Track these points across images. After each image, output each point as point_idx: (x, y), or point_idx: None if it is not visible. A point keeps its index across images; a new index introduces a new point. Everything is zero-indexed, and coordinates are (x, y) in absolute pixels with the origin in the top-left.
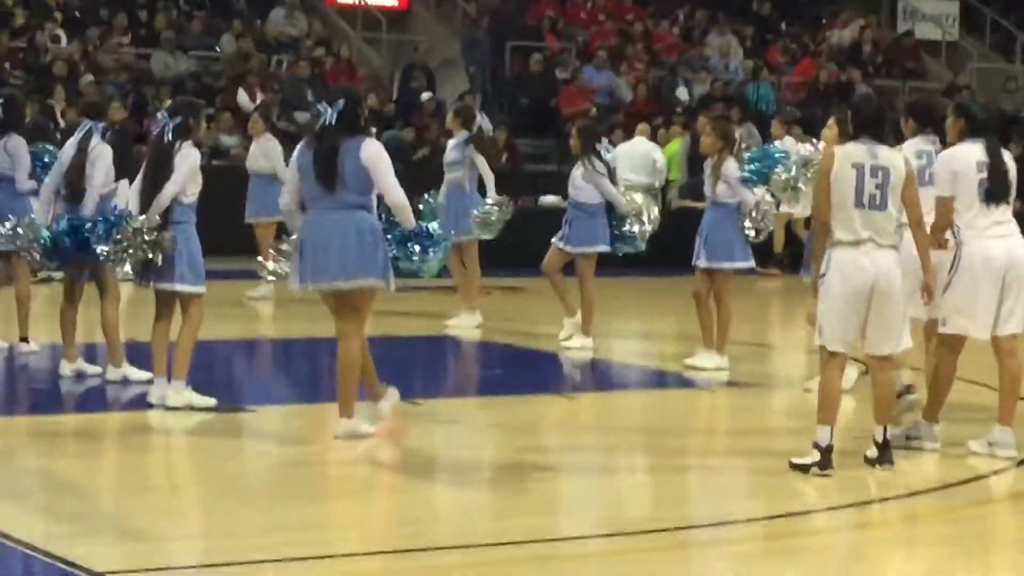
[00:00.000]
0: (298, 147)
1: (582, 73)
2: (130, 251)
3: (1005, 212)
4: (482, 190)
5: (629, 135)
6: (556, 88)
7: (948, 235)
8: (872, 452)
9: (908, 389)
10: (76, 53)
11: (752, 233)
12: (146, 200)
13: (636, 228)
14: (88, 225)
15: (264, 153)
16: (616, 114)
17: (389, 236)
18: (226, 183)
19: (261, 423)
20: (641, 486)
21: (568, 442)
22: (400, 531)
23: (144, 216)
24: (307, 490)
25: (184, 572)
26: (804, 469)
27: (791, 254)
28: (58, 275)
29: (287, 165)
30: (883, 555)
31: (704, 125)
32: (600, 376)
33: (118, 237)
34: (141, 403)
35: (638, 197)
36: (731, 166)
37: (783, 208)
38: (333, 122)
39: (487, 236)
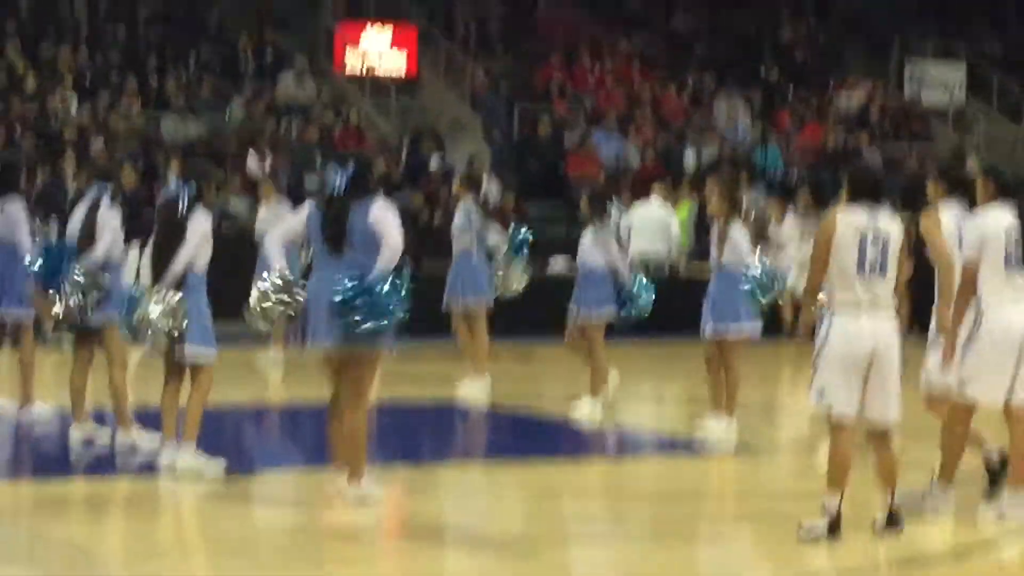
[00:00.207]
0: (310, 207)
1: (590, 137)
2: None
3: None
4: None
5: (637, 199)
6: (564, 152)
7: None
8: (881, 517)
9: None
10: (87, 118)
11: (760, 298)
12: (157, 268)
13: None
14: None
15: (275, 217)
16: (625, 178)
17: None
18: (234, 248)
19: (270, 488)
20: (651, 553)
21: (577, 509)
22: None
23: (159, 289)
24: (316, 555)
25: None
26: (814, 533)
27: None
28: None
29: None
30: None
31: (711, 187)
32: (609, 442)
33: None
34: (150, 468)
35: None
36: (736, 232)
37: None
38: (344, 185)
39: (513, 289)
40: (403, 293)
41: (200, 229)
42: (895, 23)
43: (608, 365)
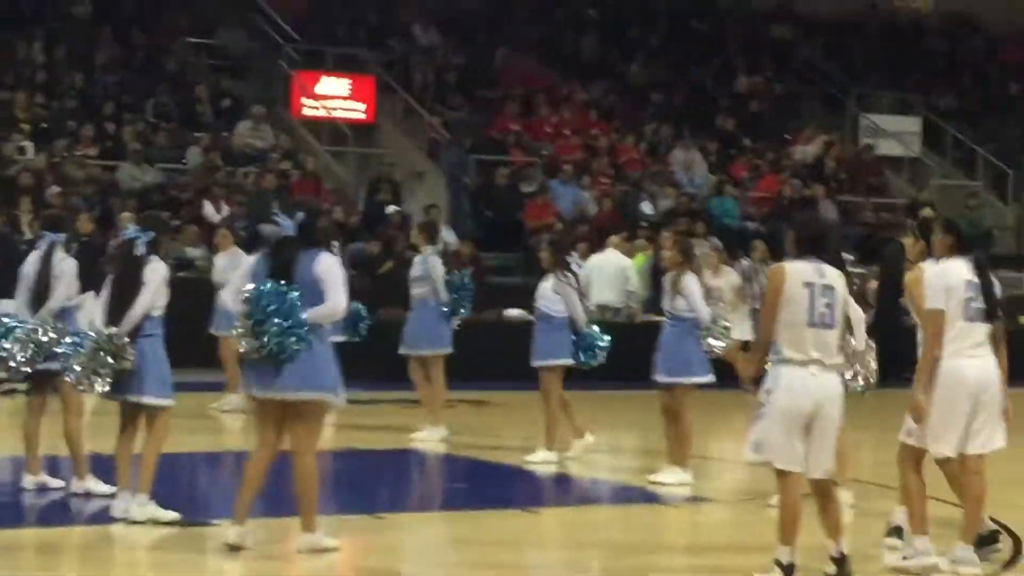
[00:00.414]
0: (256, 256)
1: (548, 187)
2: (100, 369)
3: (983, 332)
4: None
5: (594, 249)
6: (521, 201)
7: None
8: (831, 569)
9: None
10: (43, 164)
11: (711, 348)
12: (113, 313)
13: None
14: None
15: (232, 265)
16: (581, 227)
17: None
18: (191, 295)
19: (225, 537)
20: None
21: (533, 558)
22: None
23: (113, 329)
24: None
25: None
26: None
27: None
28: (21, 387)
29: None
30: None
31: (665, 240)
32: (564, 491)
33: (84, 360)
34: (104, 517)
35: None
36: (690, 281)
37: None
38: (292, 235)
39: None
40: (297, 338)
41: (158, 276)
42: (850, 75)
43: (582, 425)
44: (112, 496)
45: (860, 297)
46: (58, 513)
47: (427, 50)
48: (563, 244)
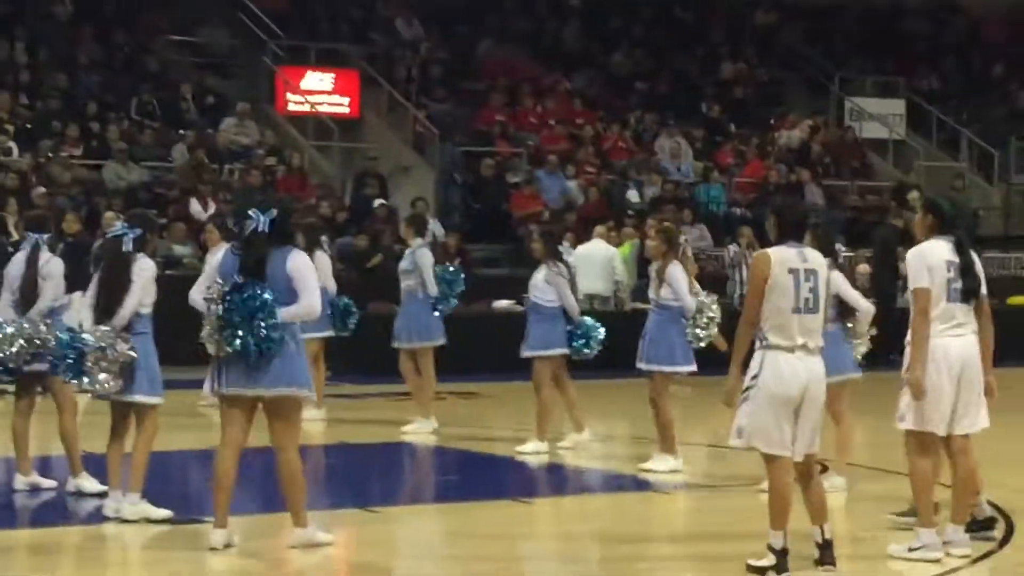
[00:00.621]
0: (224, 251)
1: (534, 177)
2: (99, 368)
3: (968, 312)
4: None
5: (581, 238)
6: (507, 193)
7: None
8: (816, 554)
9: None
10: (28, 165)
11: (696, 338)
12: (101, 310)
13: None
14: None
15: None
16: (568, 217)
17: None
18: (179, 293)
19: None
20: None
21: (526, 549)
22: None
23: (104, 329)
24: None
25: None
26: (761, 572)
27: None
28: (10, 388)
29: None
30: None
31: (649, 229)
32: (556, 480)
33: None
34: (97, 516)
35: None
36: (675, 270)
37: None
38: (264, 231)
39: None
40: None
41: (146, 273)
42: (833, 59)
43: (581, 419)
44: (104, 495)
45: (851, 282)
46: (50, 513)
47: (410, 43)
48: (555, 234)
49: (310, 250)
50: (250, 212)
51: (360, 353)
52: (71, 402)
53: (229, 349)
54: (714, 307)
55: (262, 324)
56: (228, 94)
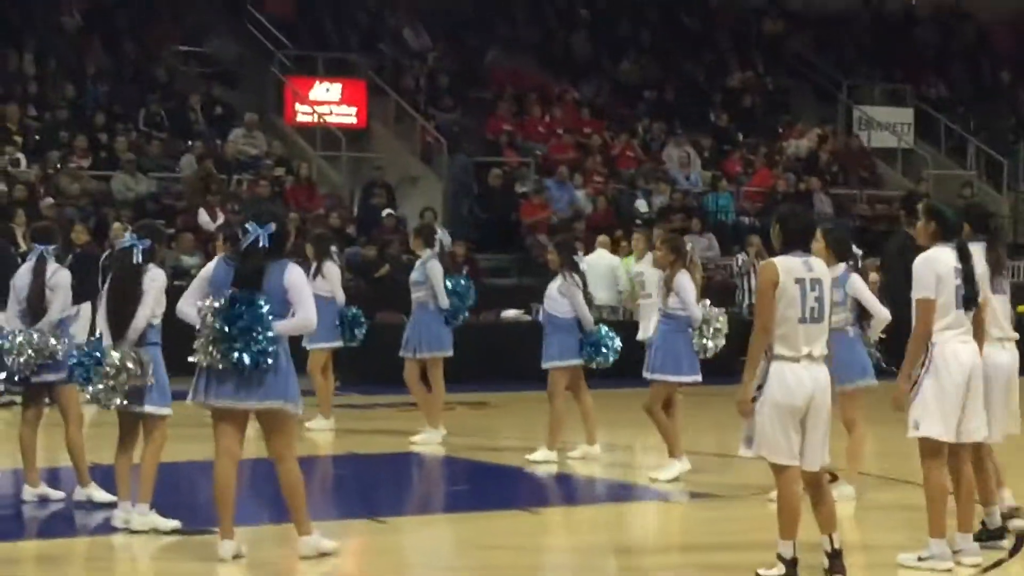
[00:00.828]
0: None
1: (543, 187)
2: (117, 385)
3: (969, 317)
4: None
5: (589, 248)
6: (516, 202)
7: None
8: (826, 563)
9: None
10: (36, 176)
11: (704, 348)
12: (116, 324)
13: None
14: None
15: None
16: (577, 225)
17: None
18: None
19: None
20: None
21: (535, 560)
22: None
23: (121, 346)
24: None
25: None
26: None
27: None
28: (17, 398)
29: None
30: None
31: (657, 239)
32: (566, 490)
33: (106, 378)
34: (105, 527)
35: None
36: (683, 279)
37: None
38: (264, 244)
39: None
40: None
41: (157, 284)
42: (841, 67)
43: (596, 429)
44: (112, 505)
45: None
46: (59, 524)
47: (418, 53)
48: (570, 244)
49: (320, 260)
50: (247, 225)
51: (369, 363)
52: (78, 413)
53: (225, 362)
54: (721, 318)
55: (259, 337)
56: (236, 104)
